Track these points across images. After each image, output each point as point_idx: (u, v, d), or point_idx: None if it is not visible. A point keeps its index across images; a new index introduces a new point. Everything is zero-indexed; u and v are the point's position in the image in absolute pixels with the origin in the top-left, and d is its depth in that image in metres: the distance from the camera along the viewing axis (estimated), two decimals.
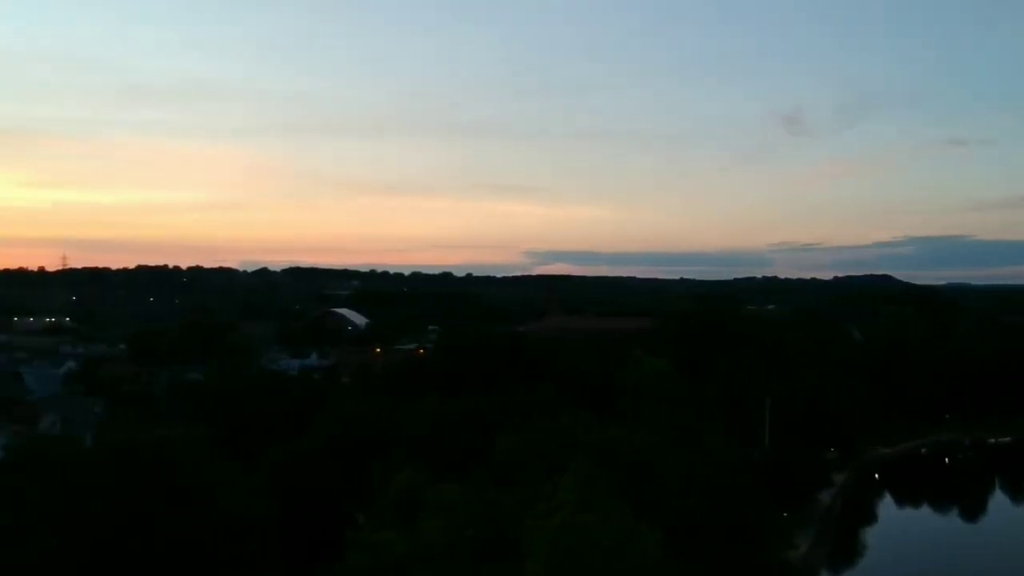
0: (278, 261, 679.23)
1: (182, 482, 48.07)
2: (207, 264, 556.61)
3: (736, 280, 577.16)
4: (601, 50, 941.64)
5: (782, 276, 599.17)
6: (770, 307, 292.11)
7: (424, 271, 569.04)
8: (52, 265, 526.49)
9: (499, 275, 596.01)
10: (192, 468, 49.38)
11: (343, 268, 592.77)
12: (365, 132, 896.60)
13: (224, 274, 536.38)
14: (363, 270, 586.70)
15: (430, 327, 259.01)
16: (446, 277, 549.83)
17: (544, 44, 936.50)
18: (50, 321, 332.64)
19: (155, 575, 44.87)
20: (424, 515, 36.66)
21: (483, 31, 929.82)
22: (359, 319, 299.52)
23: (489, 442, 53.58)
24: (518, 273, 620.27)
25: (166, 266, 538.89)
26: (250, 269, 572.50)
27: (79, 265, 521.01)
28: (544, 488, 36.62)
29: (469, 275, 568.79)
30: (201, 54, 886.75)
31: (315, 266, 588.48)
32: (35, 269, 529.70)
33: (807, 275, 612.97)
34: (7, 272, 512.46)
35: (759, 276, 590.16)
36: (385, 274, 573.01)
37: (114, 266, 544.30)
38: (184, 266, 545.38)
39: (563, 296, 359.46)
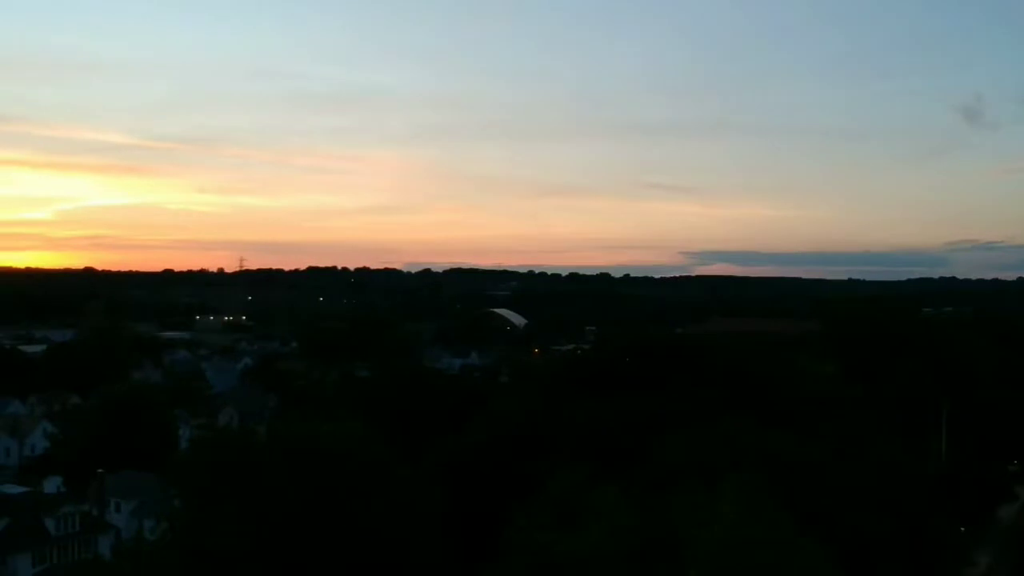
0: (441, 262, 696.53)
1: (355, 477, 49.41)
2: (373, 265, 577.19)
3: (910, 281, 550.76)
4: (770, 44, 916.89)
5: (961, 277, 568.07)
6: (947, 309, 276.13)
7: (582, 272, 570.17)
8: (231, 267, 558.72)
9: (657, 276, 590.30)
10: (365, 463, 50.68)
11: (502, 269, 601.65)
12: (529, 134, 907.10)
13: (389, 275, 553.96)
14: (522, 271, 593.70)
15: (588, 327, 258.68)
16: (604, 278, 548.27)
17: (711, 41, 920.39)
18: (229, 319, 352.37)
19: (331, 568, 46.38)
20: (584, 518, 36.38)
21: (649, 30, 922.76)
22: (518, 319, 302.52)
23: (648, 446, 52.75)
24: (677, 274, 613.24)
25: (335, 267, 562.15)
26: (414, 270, 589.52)
27: (255, 267, 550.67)
28: (705, 496, 35.68)
29: (627, 276, 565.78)
30: (372, 62, 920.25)
31: (476, 267, 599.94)
32: (215, 270, 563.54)
33: (988, 275, 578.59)
34: (190, 273, 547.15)
35: (935, 277, 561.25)
36: (543, 275, 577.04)
37: (287, 267, 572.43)
38: (352, 267, 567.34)
39: (724, 297, 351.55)
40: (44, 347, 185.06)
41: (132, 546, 65.53)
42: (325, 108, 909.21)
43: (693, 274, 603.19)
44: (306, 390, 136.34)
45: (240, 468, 48.78)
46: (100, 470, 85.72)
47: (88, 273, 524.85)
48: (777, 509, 34.15)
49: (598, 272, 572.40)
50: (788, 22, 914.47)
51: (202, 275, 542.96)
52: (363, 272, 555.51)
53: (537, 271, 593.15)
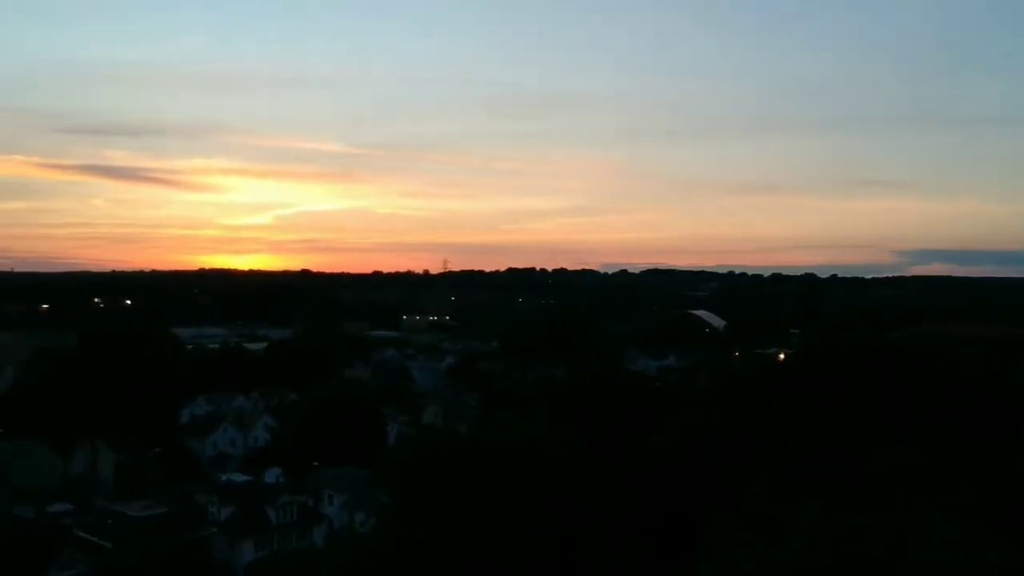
0: (637, 263, 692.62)
1: (553, 478, 49.97)
2: (571, 266, 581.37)
3: None
4: (995, 29, 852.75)
5: None
6: None
7: (785, 272, 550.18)
8: (435, 268, 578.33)
9: (868, 276, 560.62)
10: (562, 464, 51.16)
11: (701, 269, 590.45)
12: (727, 132, 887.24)
13: (586, 275, 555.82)
14: (721, 271, 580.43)
15: (792, 330, 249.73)
16: (809, 278, 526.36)
17: (929, 24, 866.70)
18: (433, 319, 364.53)
19: (530, 567, 47.12)
20: (783, 531, 35.11)
21: (849, 21, 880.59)
22: (717, 321, 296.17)
23: (855, 458, 50.29)
24: (889, 274, 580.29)
25: (533, 268, 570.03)
26: (611, 271, 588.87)
27: (458, 268, 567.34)
28: (919, 515, 33.60)
29: (834, 276, 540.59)
30: (570, 64, 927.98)
31: (673, 268, 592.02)
32: (421, 272, 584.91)
33: None
34: (397, 275, 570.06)
35: None
36: (744, 275, 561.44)
37: (488, 268, 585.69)
38: (550, 268, 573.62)
39: (941, 299, 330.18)
40: (265, 345, 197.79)
41: (344, 537, 69.11)
42: (524, 113, 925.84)
43: (907, 274, 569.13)
44: (506, 390, 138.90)
45: (445, 466, 50.31)
46: (315, 463, 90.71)
47: (304, 275, 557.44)
48: (1001, 533, 31.71)
49: (802, 272, 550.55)
50: (1004, 8, 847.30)
51: (408, 276, 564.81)
52: (560, 273, 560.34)
53: (737, 271, 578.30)
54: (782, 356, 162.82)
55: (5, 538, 69.33)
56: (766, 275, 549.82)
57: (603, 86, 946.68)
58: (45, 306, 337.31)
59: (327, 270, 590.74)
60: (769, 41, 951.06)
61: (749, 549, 33.81)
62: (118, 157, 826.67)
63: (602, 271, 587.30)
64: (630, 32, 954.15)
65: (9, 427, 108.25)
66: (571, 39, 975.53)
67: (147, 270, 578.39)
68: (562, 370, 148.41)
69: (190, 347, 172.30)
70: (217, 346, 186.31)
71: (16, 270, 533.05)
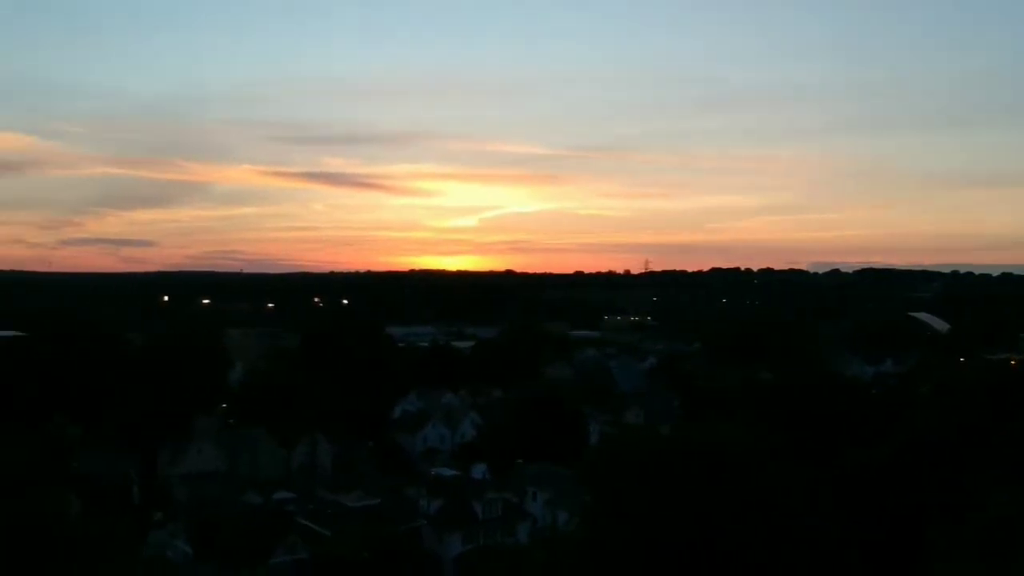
0: (850, 262, 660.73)
1: (757, 484, 48.43)
2: (777, 266, 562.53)
3: None
4: None
5: None
6: None
7: (1017, 272, 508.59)
8: (636, 268, 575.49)
9: None
10: (767, 470, 49.51)
11: (922, 269, 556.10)
12: (954, 120, 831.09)
13: (794, 276, 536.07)
14: (944, 271, 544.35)
15: (1022, 335, 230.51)
16: None
17: None
18: (634, 319, 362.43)
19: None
20: (1020, 552, 32.35)
21: None
22: (940, 324, 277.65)
23: None
24: None
25: (738, 268, 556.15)
26: (821, 271, 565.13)
27: (660, 268, 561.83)
28: None
29: None
30: (774, 58, 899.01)
31: (891, 267, 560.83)
32: (622, 272, 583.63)
33: None
34: (598, 275, 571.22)
35: None
36: (970, 275, 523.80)
37: (690, 268, 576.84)
38: (755, 268, 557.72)
39: None
40: (472, 343, 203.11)
41: (548, 535, 69.66)
42: (728, 108, 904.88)
43: None
44: (709, 392, 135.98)
45: (647, 467, 49.74)
46: (519, 460, 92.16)
47: (508, 275, 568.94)
48: None
49: None
50: None
51: (609, 276, 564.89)
52: (767, 273, 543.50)
53: (963, 271, 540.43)
54: (1014, 363, 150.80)
55: (236, 522, 74.68)
56: (995, 274, 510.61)
57: (808, 78, 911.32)
58: (270, 305, 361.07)
59: (530, 270, 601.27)
60: (985, 26, 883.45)
61: (984, 563, 31.37)
62: (336, 164, 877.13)
63: (812, 271, 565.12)
64: (835, 23, 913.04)
65: (239, 418, 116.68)
66: (774, 32, 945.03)
67: (362, 271, 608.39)
68: (769, 373, 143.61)
69: (402, 345, 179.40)
70: (427, 344, 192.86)
71: (245, 271, 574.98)
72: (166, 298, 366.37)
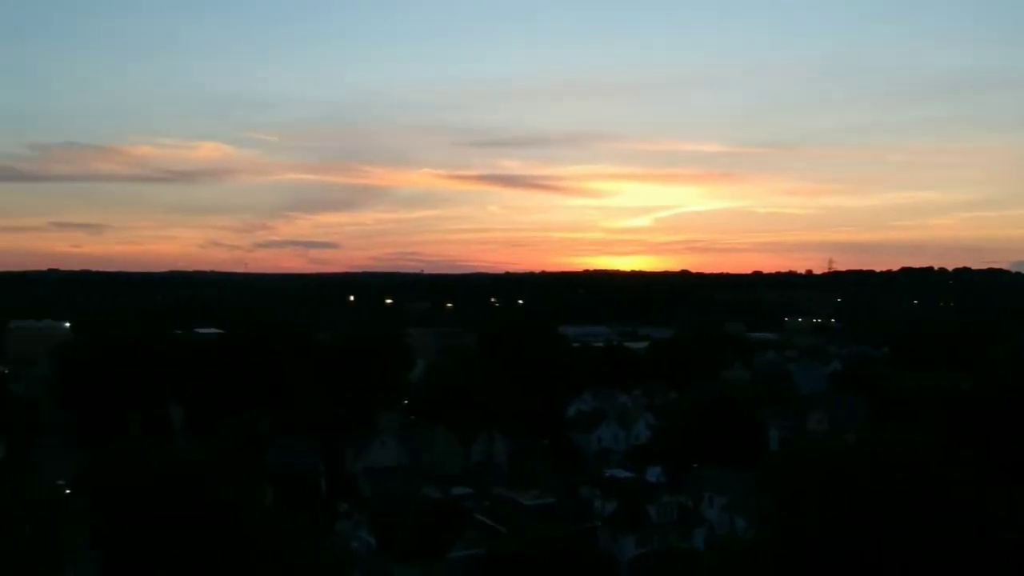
0: None
1: (950, 498, 45.72)
2: (975, 265, 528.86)
3: None
4: None
5: None
6: None
7: None
8: (819, 268, 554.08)
9: None
10: (962, 485, 46.64)
11: None
12: None
13: (995, 276, 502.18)
14: None
15: None
16: None
17: None
18: (817, 322, 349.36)
19: None
20: None
21: None
22: None
23: None
24: None
25: (930, 268, 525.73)
26: None
27: (844, 268, 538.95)
28: None
29: None
30: (970, 45, 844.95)
31: None
32: (803, 272, 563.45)
33: None
34: (778, 275, 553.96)
35: None
36: None
37: (878, 268, 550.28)
38: (950, 267, 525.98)
39: None
40: (646, 344, 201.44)
41: (725, 542, 68.15)
42: (918, 99, 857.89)
43: None
44: (898, 399, 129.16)
45: (832, 476, 47.79)
46: (695, 464, 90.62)
47: (683, 275, 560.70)
48: None
49: None
50: None
51: (790, 277, 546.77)
52: (963, 273, 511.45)
53: None
54: None
55: (416, 516, 77.02)
56: None
57: (1006, 64, 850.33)
58: (449, 305, 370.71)
59: (706, 270, 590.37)
60: None
61: None
62: (511, 167, 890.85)
63: (1014, 271, 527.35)
64: None
65: (419, 415, 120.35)
66: (968, 16, 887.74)
67: (536, 271, 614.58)
68: (966, 381, 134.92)
69: (576, 345, 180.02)
70: (601, 344, 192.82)
71: (424, 272, 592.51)
72: (351, 298, 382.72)
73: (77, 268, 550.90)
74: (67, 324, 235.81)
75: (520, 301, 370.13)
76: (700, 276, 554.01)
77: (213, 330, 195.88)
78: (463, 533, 72.32)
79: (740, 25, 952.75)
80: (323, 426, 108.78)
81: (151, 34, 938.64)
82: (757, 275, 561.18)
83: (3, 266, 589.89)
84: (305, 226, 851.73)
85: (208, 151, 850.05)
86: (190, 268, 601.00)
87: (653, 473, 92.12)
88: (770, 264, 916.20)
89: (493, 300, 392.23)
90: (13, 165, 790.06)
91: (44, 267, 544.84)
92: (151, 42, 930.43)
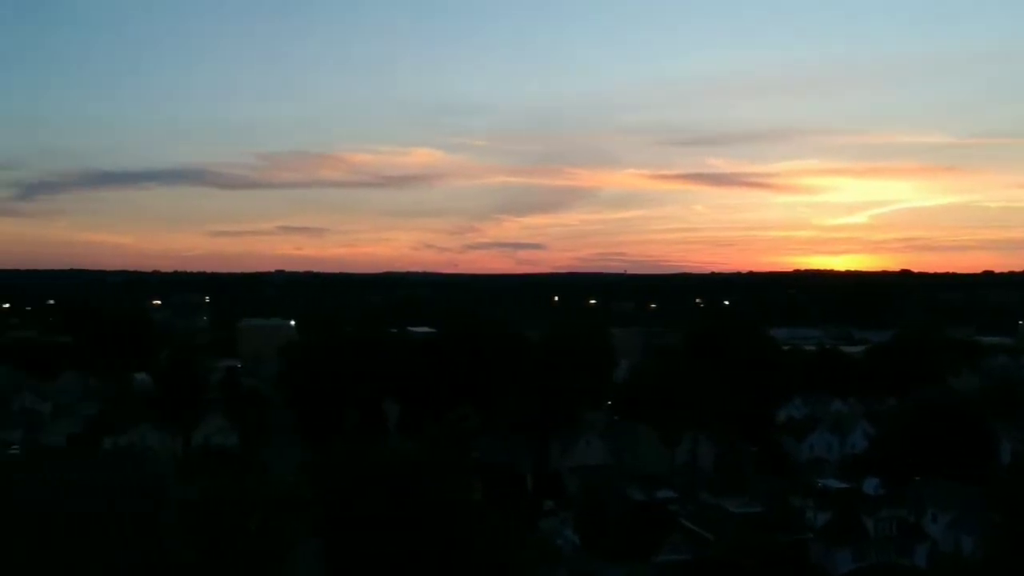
0: None
1: None
2: None
3: None
4: None
5: None
6: None
7: None
8: None
9: None
10: None
11: None
12: None
13: None
14: None
15: None
16: None
17: None
18: None
19: None
20: None
21: None
22: None
23: None
24: None
25: None
26: None
27: None
28: None
29: None
30: None
31: None
32: None
33: None
34: (1012, 275, 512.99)
35: None
36: None
37: None
38: None
39: None
40: (862, 348, 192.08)
41: (949, 561, 64.09)
42: None
43: None
44: None
45: None
46: (916, 477, 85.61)
47: (903, 275, 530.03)
48: None
49: None
50: None
51: None
52: None
53: None
54: None
55: (621, 517, 77.07)
56: None
57: None
58: (653, 305, 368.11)
59: (929, 270, 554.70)
60: None
61: None
62: (717, 164, 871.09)
63: None
64: None
65: (623, 415, 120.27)
66: None
67: (743, 271, 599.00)
68: None
69: (786, 348, 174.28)
70: (813, 347, 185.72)
71: (628, 272, 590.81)
72: (556, 298, 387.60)
73: (301, 269, 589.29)
74: (292, 323, 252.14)
75: (726, 302, 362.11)
76: (923, 276, 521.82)
77: (425, 329, 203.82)
78: (668, 537, 71.66)
79: (965, 6, 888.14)
80: (529, 424, 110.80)
81: (367, 50, 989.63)
82: (988, 275, 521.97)
83: (235, 267, 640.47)
84: (512, 228, 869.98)
85: (421, 157, 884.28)
86: (404, 269, 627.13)
87: (870, 485, 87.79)
88: (1003, 263, 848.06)
89: (698, 301, 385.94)
90: (244, 174, 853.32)
91: (271, 268, 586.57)
92: (368, 57, 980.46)
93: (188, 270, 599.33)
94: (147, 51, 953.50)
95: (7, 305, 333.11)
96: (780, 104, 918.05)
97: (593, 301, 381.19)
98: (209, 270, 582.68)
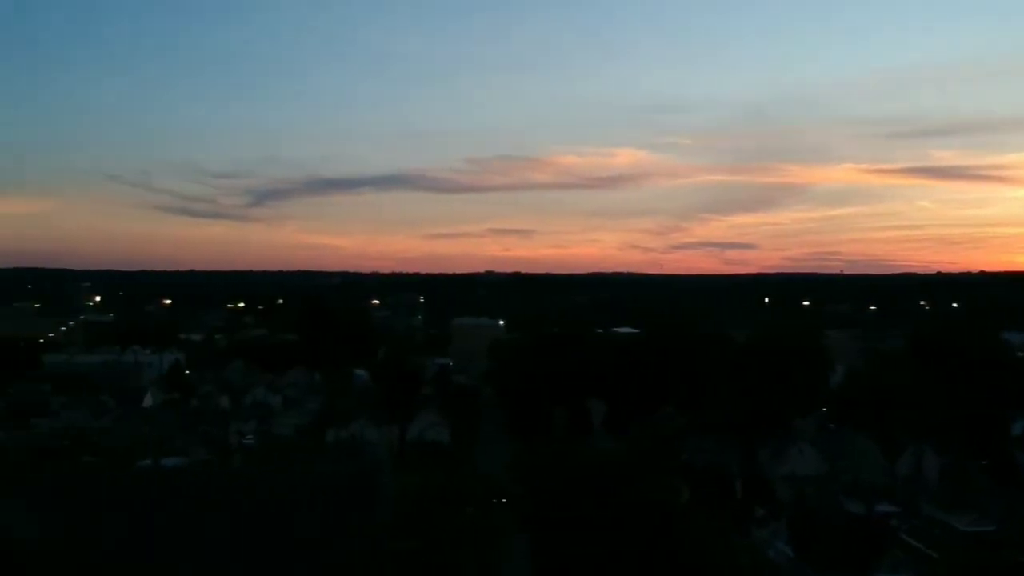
0: None
1: None
2: None
3: None
4: None
5: None
6: None
7: None
8: None
9: None
10: None
11: None
12: None
13: None
14: None
15: None
16: None
17: None
18: None
19: None
20: None
21: None
22: None
23: None
24: None
25: None
26: None
27: None
28: None
29: None
30: None
31: None
32: None
33: None
34: None
35: None
36: None
37: None
38: None
39: None
40: None
41: None
42: None
43: None
44: None
45: None
46: None
47: None
48: None
49: None
50: None
51: None
52: None
53: None
54: None
55: (837, 530, 73.67)
56: None
57: None
58: (872, 307, 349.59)
59: None
60: None
61: None
62: (943, 157, 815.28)
63: None
64: None
65: (839, 422, 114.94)
66: None
67: (974, 271, 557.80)
68: None
69: (1022, 354, 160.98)
70: None
71: (845, 272, 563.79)
72: (766, 299, 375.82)
73: (510, 270, 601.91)
74: (501, 322, 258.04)
75: (954, 304, 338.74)
76: None
77: (630, 329, 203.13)
78: (889, 553, 67.82)
79: None
80: (738, 427, 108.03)
81: (572, 53, 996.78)
82: None
83: (448, 268, 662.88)
84: (719, 227, 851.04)
85: (626, 157, 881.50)
86: (609, 270, 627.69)
87: None
88: None
89: (922, 302, 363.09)
90: (455, 178, 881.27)
91: (482, 269, 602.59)
92: (572, 60, 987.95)
93: (404, 271, 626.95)
94: (368, 67, 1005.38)
95: (241, 304, 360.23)
96: (1016, 89, 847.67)
97: (806, 302, 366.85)
98: (423, 271, 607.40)
